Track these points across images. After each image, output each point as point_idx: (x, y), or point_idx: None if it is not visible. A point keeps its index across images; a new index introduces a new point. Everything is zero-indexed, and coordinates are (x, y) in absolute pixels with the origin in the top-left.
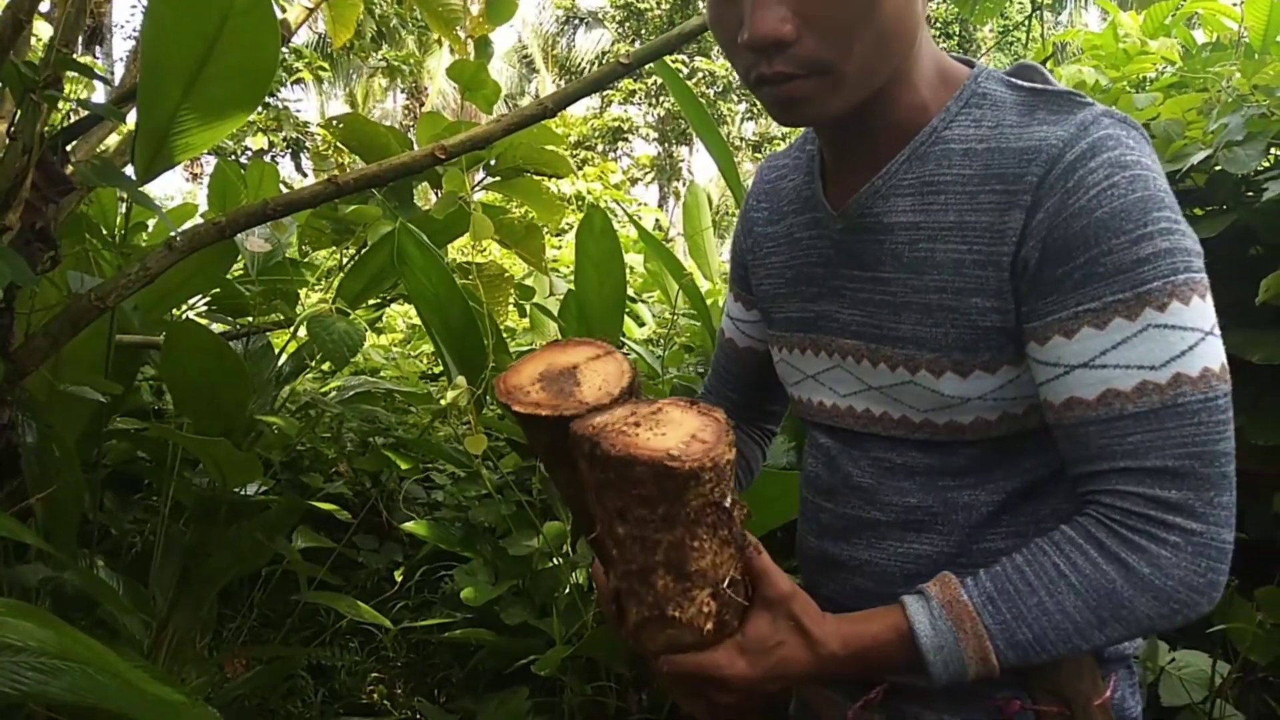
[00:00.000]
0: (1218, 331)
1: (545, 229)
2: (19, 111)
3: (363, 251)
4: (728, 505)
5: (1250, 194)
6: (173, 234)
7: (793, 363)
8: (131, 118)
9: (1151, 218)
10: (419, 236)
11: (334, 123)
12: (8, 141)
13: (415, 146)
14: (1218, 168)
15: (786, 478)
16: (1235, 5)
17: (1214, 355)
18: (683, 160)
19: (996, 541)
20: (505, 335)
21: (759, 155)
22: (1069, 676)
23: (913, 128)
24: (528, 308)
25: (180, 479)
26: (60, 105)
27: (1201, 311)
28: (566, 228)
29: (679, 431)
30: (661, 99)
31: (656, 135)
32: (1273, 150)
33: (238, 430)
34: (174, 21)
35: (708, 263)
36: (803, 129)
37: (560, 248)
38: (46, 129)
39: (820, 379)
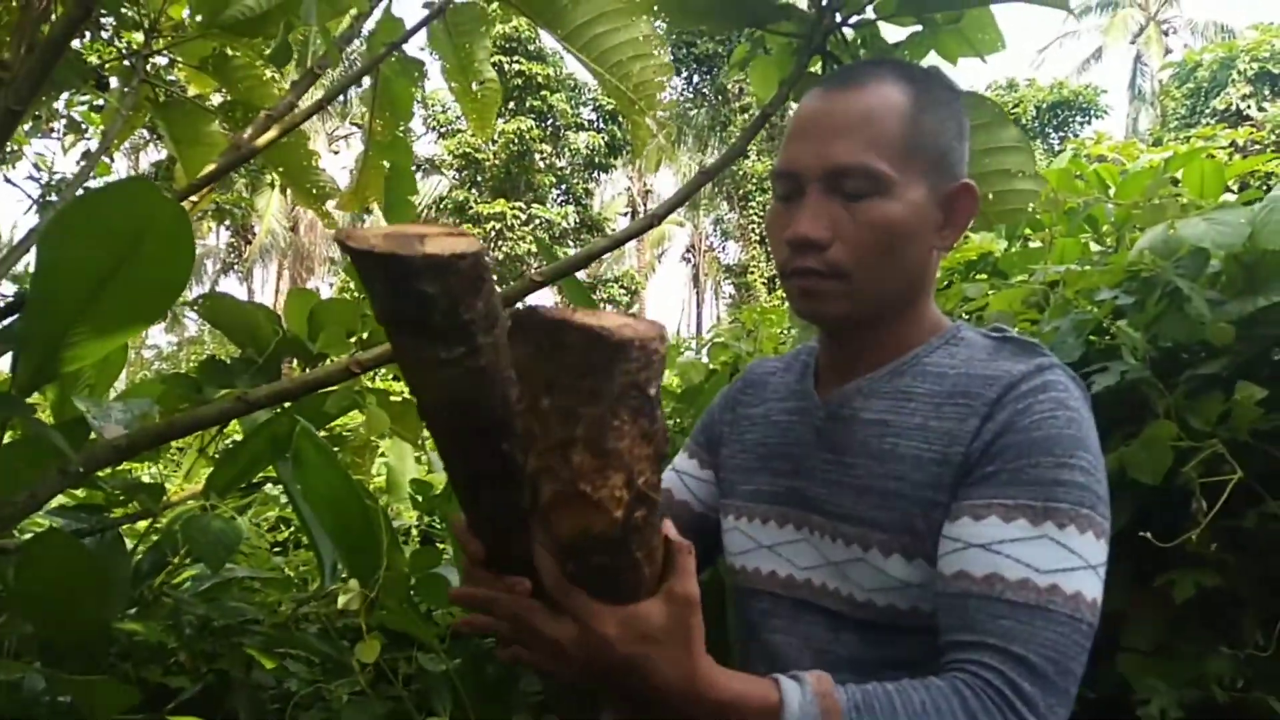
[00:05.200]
0: (1102, 573)
1: None
2: None
3: (217, 431)
4: (651, 394)
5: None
6: (71, 460)
7: (749, 532)
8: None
9: (1078, 454)
10: (317, 439)
11: (199, 302)
12: None
13: (283, 321)
14: None
15: None
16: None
17: (1091, 587)
18: (520, 304)
19: None
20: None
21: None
22: None
23: (900, 351)
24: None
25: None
26: None
27: (1093, 547)
28: None
29: (617, 320)
30: (500, 244)
31: (495, 278)
32: (1091, 339)
33: (90, 639)
34: (77, 244)
35: None
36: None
37: None
38: None
39: (778, 550)
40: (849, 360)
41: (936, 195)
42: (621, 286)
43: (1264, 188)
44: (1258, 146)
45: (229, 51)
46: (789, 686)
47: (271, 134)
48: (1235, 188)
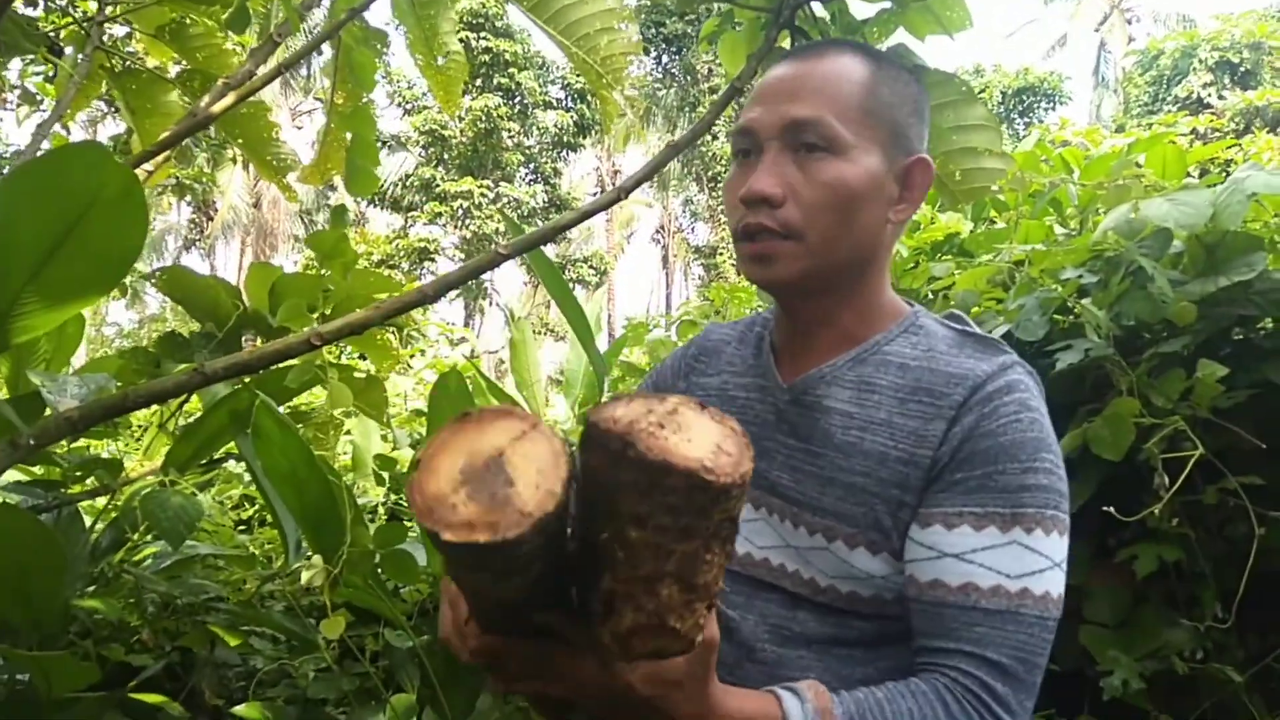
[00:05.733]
0: (1065, 567)
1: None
2: None
3: (177, 408)
4: (739, 519)
5: (1043, 356)
6: (23, 433)
7: None
8: None
9: (1041, 456)
10: (277, 413)
11: (156, 275)
12: None
13: (244, 296)
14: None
15: None
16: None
17: (1056, 584)
18: (487, 280)
19: None
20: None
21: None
22: None
23: (860, 338)
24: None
25: None
26: None
27: (1057, 545)
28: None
29: (704, 439)
30: (467, 222)
31: (462, 256)
32: (1055, 318)
33: (48, 617)
34: (27, 209)
35: (535, 396)
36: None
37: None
38: None
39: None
40: (805, 340)
41: (892, 167)
42: (590, 266)
43: (1224, 174)
44: (1218, 134)
45: (187, 19)
46: (790, 702)
47: (228, 100)
48: (1196, 174)
